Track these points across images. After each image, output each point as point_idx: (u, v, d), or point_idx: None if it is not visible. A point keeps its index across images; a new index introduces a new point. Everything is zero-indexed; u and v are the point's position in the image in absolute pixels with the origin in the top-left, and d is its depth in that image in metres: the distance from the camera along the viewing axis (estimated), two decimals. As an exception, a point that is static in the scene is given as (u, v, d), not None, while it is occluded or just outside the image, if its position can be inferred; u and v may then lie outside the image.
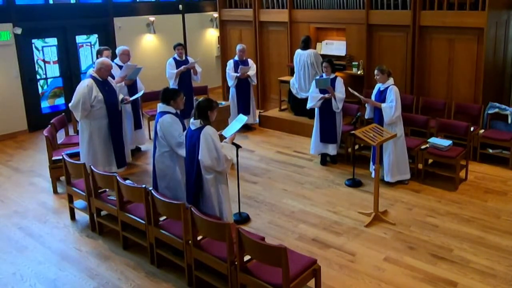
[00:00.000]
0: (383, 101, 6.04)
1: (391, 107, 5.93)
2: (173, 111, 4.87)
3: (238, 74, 8.43)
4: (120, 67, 7.37)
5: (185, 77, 7.98)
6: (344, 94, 6.74)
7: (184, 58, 8.04)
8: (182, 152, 4.76)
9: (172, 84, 7.91)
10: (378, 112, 6.13)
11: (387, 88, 6.04)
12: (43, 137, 6.54)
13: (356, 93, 6.32)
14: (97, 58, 6.86)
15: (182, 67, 7.87)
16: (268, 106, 10.01)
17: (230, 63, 8.62)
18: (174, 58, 8.01)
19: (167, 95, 4.88)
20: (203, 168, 4.46)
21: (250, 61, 8.69)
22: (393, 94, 5.94)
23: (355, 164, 6.48)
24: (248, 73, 8.47)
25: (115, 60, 7.51)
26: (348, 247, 4.86)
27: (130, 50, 7.72)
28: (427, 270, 4.44)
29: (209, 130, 4.40)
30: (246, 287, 3.88)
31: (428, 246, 4.85)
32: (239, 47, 8.59)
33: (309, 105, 6.94)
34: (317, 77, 6.93)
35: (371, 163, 6.43)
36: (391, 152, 6.09)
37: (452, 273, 4.39)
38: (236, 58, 8.61)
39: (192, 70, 7.99)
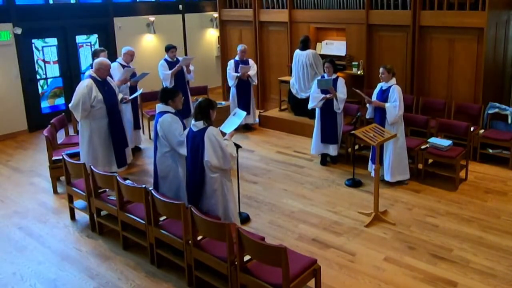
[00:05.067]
0: (386, 100, 6.04)
1: (395, 106, 5.94)
2: (172, 110, 4.88)
3: (238, 74, 8.43)
4: (123, 66, 7.37)
5: (179, 77, 7.92)
6: (345, 95, 6.73)
7: (175, 59, 7.99)
8: (183, 151, 4.77)
9: (168, 85, 7.83)
10: (379, 112, 6.13)
11: (389, 87, 6.05)
12: (43, 137, 6.54)
13: (361, 93, 6.31)
14: (93, 59, 6.86)
15: (177, 66, 7.81)
16: (268, 106, 10.01)
17: (231, 63, 8.62)
18: (166, 60, 7.95)
19: (165, 95, 4.89)
20: (209, 168, 4.46)
21: (251, 61, 8.68)
22: (396, 94, 5.94)
23: (355, 164, 6.48)
24: (249, 73, 8.46)
25: (118, 60, 7.52)
26: (348, 247, 4.86)
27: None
28: (427, 270, 4.44)
29: (212, 130, 4.41)
30: (246, 287, 3.88)
31: (428, 246, 4.85)
32: (240, 47, 8.59)
33: (310, 105, 6.93)
34: (319, 78, 6.93)
35: (369, 162, 6.44)
36: (392, 152, 6.09)
37: (452, 273, 4.39)
38: (237, 58, 8.60)
39: (185, 69, 7.96)
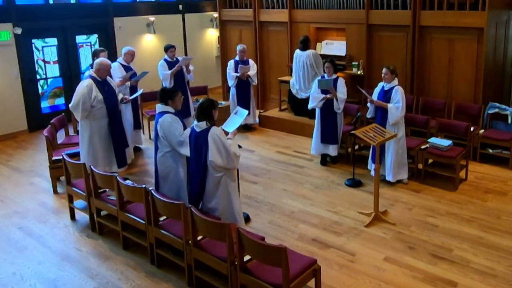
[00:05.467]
0: (388, 100, 6.04)
1: (398, 107, 5.94)
2: (172, 110, 4.86)
3: (238, 74, 8.43)
4: (124, 66, 7.36)
5: (179, 77, 7.92)
6: (345, 95, 6.73)
7: (175, 59, 8.00)
8: (184, 150, 4.76)
9: (167, 85, 7.84)
10: (381, 112, 6.13)
11: (392, 88, 6.05)
12: (43, 137, 6.54)
13: (365, 93, 6.32)
14: (93, 59, 6.86)
15: (176, 66, 7.82)
16: (268, 106, 10.01)
17: (231, 63, 8.62)
18: (165, 60, 7.96)
19: (164, 95, 4.87)
20: (213, 168, 4.45)
21: (251, 61, 8.68)
22: (400, 95, 5.95)
23: (355, 164, 6.48)
24: (249, 73, 8.46)
25: (118, 60, 7.51)
26: (348, 247, 4.86)
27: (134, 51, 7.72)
28: (427, 270, 4.44)
29: (216, 130, 4.41)
30: (246, 287, 3.88)
31: (428, 246, 4.85)
32: (239, 47, 8.59)
33: (310, 106, 6.93)
34: (319, 78, 6.93)
35: (369, 161, 6.45)
36: (393, 151, 6.09)
37: (452, 273, 4.40)
38: (237, 58, 8.61)
39: (185, 69, 7.96)
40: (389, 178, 6.21)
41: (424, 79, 7.81)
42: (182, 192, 4.95)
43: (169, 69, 7.81)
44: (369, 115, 6.39)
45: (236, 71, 8.47)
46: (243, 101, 8.51)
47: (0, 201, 6.18)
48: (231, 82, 8.59)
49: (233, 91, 8.63)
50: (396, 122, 6.00)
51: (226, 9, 10.40)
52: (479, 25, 7.01)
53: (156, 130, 4.86)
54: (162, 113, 4.83)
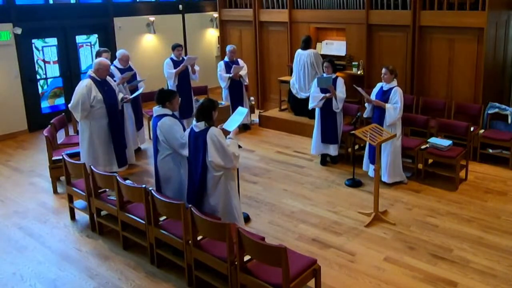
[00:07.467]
0: (386, 101, 6.05)
1: (396, 108, 5.95)
2: (170, 113, 4.83)
3: (230, 75, 8.41)
4: (120, 69, 7.33)
5: (183, 77, 7.94)
6: (344, 94, 6.74)
7: (181, 58, 8.00)
8: (186, 152, 4.74)
9: (171, 84, 7.88)
10: (378, 112, 6.14)
11: (391, 88, 6.05)
12: (43, 137, 6.54)
13: (362, 92, 6.32)
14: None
15: (181, 65, 7.83)
16: (268, 106, 10.01)
17: (221, 65, 8.60)
18: (172, 59, 7.97)
19: (162, 96, 4.83)
20: (213, 167, 4.45)
21: (241, 61, 8.68)
22: (398, 96, 5.96)
23: (355, 164, 6.48)
24: (240, 72, 8.46)
25: (114, 63, 7.48)
26: (348, 247, 4.87)
27: (129, 53, 7.70)
28: (427, 270, 4.44)
29: (214, 131, 4.41)
30: (246, 287, 3.88)
31: (428, 246, 4.86)
32: (229, 47, 8.58)
33: (311, 106, 6.93)
34: (319, 76, 6.92)
35: (364, 163, 6.47)
36: (389, 153, 6.10)
37: (452, 273, 4.40)
38: (226, 59, 8.59)
39: (190, 69, 7.97)
40: (384, 179, 6.21)
41: (424, 79, 7.81)
42: (185, 194, 4.94)
43: (175, 68, 7.83)
44: (366, 114, 6.41)
45: (227, 72, 8.46)
46: (238, 102, 8.49)
47: (0, 201, 6.18)
48: (223, 84, 8.57)
49: (225, 92, 8.60)
50: (393, 123, 6.01)
51: (226, 9, 10.40)
52: (479, 25, 7.00)
53: (155, 134, 4.83)
54: (160, 116, 4.79)
